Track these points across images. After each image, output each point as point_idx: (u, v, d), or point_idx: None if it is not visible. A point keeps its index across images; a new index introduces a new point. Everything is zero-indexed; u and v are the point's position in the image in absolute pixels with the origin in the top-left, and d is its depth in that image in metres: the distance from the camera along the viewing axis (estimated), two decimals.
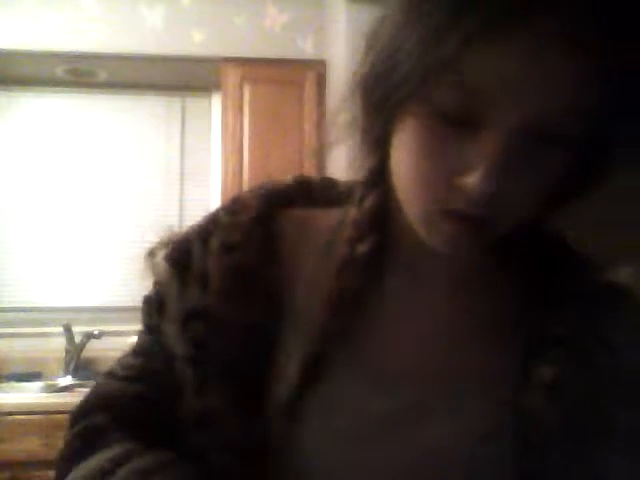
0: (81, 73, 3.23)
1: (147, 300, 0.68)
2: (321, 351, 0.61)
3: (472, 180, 0.50)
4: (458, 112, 0.49)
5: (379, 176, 0.62)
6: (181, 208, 3.41)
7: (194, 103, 3.46)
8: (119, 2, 3.02)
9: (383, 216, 0.63)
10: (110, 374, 0.69)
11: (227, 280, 0.63)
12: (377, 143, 0.59)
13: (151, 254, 0.68)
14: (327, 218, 0.69)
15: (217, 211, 0.69)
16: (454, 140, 0.50)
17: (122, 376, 0.67)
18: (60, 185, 3.32)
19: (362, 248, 0.63)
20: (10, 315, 3.21)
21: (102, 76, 3.27)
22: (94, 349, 3.08)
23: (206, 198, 3.37)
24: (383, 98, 0.54)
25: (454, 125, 0.50)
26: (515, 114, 0.48)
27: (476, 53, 0.47)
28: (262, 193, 0.69)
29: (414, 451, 0.61)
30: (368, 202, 0.64)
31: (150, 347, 0.67)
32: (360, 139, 0.61)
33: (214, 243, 0.65)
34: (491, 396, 0.61)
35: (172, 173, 3.43)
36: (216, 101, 3.33)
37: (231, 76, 3.04)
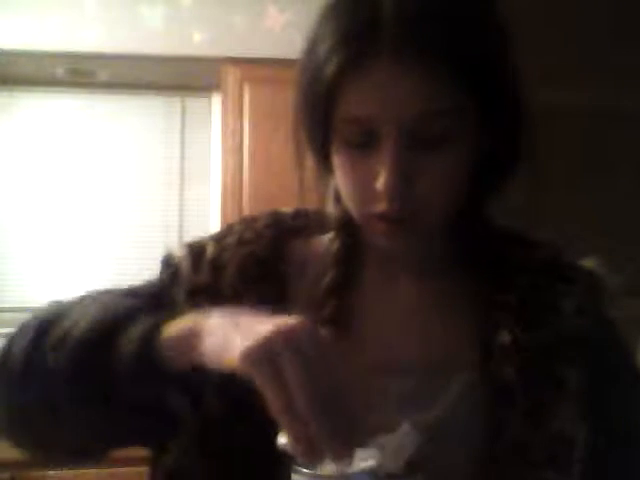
0: (81, 73, 3.23)
1: (163, 266, 0.76)
2: None
3: (379, 184, 0.63)
4: (357, 138, 0.64)
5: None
6: (181, 208, 3.41)
7: (194, 103, 3.45)
8: (119, 2, 3.02)
9: (350, 219, 0.72)
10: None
11: (242, 265, 0.72)
12: (327, 160, 0.70)
13: (167, 257, 0.76)
14: (322, 242, 0.79)
15: (230, 223, 0.79)
16: (364, 158, 0.64)
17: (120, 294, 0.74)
18: (60, 185, 3.32)
19: (334, 246, 0.75)
20: (10, 315, 3.21)
21: (102, 76, 3.27)
22: None
23: (206, 198, 3.37)
24: (310, 128, 0.69)
25: (360, 147, 0.64)
26: (392, 127, 0.62)
27: (349, 83, 0.62)
28: (271, 214, 0.79)
29: (422, 425, 0.67)
30: (337, 210, 0.76)
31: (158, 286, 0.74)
32: (313, 158, 0.73)
33: (229, 241, 0.75)
34: (468, 365, 0.70)
35: (172, 173, 3.42)
36: (216, 101, 3.33)
37: (231, 76, 3.04)
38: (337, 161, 0.67)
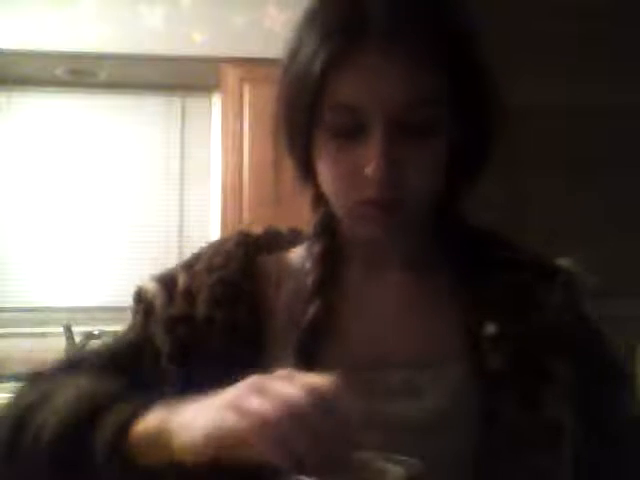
0: (81, 73, 3.23)
1: (135, 309, 0.77)
2: (308, 344, 0.70)
3: (370, 172, 0.64)
4: (345, 127, 0.66)
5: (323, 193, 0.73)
6: (181, 208, 3.41)
7: (194, 103, 3.46)
8: (119, 2, 3.02)
9: (331, 222, 0.75)
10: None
11: (215, 290, 0.73)
12: (307, 164, 0.72)
13: (139, 292, 0.77)
14: (297, 253, 0.79)
15: (199, 249, 0.80)
16: (351, 147, 0.66)
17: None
18: (60, 185, 3.32)
19: (316, 248, 0.76)
20: (10, 315, 3.21)
21: (102, 76, 3.27)
22: None
23: (206, 198, 3.37)
24: (295, 125, 0.70)
25: (347, 136, 0.66)
26: (380, 115, 0.64)
27: (338, 73, 0.64)
28: (239, 233, 0.80)
29: (414, 417, 0.69)
30: (318, 213, 0.77)
31: (136, 340, 0.75)
32: (293, 159, 0.74)
33: (199, 268, 0.75)
34: (457, 357, 0.71)
35: (172, 173, 3.43)
36: (216, 101, 3.33)
37: (231, 76, 3.04)
38: (323, 153, 0.69)
